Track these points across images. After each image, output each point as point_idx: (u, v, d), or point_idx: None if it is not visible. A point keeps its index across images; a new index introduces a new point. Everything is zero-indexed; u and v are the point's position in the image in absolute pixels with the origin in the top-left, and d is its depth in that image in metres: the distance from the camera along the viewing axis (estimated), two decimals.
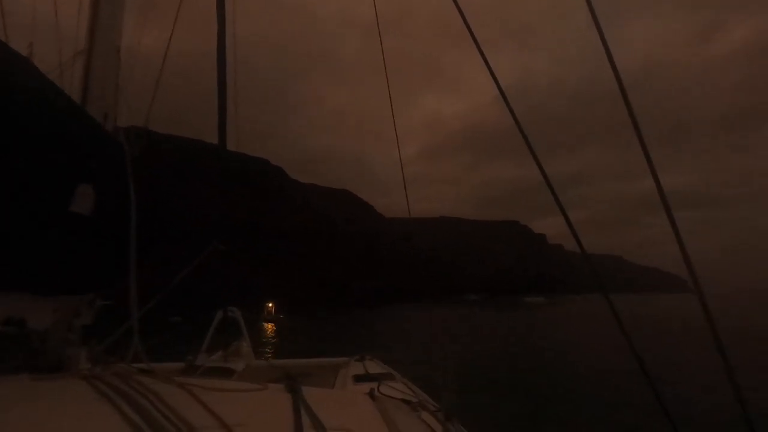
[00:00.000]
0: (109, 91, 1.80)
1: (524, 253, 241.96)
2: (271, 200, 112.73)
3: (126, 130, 1.85)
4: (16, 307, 1.46)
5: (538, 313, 60.94)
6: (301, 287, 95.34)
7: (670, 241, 1.28)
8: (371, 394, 1.75)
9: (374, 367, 3.26)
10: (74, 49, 1.86)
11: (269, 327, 34.81)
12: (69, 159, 1.51)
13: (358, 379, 2.84)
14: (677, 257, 1.25)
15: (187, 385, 1.36)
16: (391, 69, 3.85)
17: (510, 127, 1.70)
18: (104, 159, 1.68)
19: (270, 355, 4.27)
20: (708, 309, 1.19)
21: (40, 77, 1.48)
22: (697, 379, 13.49)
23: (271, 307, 43.59)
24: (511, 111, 1.67)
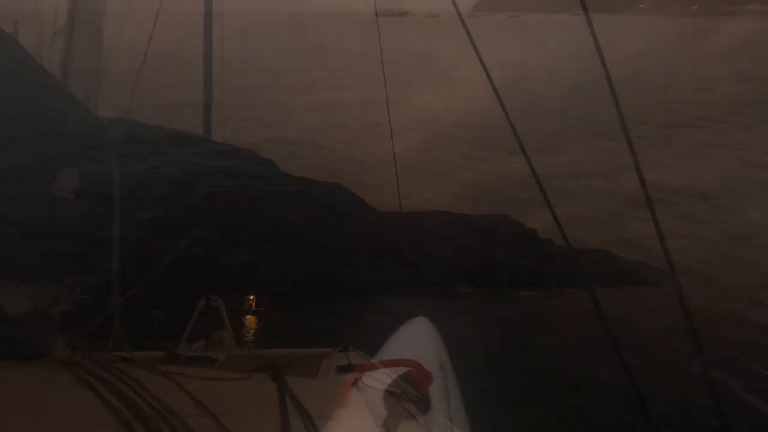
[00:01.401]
0: (91, 72, 1.75)
1: (517, 247, 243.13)
2: (260, 193, 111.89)
3: (110, 120, 1.81)
4: None
5: (532, 306, 61.19)
6: (290, 280, 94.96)
7: (667, 235, 1.28)
8: (355, 384, 1.75)
9: (357, 358, 3.24)
10: (53, 29, 1.81)
11: (250, 320, 34.41)
12: (51, 139, 1.47)
13: (341, 369, 2.83)
14: (675, 251, 1.25)
15: (170, 373, 1.34)
16: (385, 60, 3.85)
17: (504, 121, 1.68)
18: (87, 139, 1.64)
19: (252, 346, 4.22)
20: (684, 300, 1.20)
21: (24, 55, 1.43)
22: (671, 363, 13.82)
23: (252, 299, 42.79)
24: (502, 105, 1.66)
